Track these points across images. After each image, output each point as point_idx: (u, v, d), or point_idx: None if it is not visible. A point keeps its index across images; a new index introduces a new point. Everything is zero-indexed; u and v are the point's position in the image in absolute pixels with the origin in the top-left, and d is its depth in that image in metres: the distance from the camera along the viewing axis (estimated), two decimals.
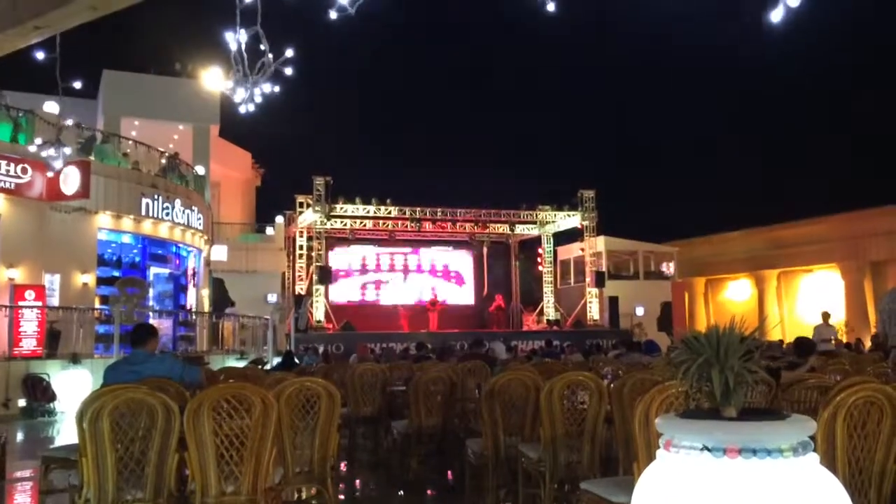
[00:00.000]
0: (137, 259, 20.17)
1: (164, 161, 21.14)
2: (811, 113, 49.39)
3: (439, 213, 25.91)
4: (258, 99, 5.15)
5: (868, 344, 18.98)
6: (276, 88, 5.11)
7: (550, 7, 4.23)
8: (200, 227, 21.62)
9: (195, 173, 22.85)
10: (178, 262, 21.71)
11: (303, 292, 24.89)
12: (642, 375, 4.60)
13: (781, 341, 18.70)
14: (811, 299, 33.99)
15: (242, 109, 5.16)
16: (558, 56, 57.66)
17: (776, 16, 3.73)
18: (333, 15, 4.49)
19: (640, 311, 28.28)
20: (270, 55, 4.87)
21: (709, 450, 1.77)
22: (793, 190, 43.30)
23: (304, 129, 47.25)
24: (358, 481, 7.60)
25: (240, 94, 5.09)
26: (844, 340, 21.83)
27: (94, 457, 3.76)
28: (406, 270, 29.53)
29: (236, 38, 4.83)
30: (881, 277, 31.32)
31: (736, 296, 37.17)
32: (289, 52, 5.00)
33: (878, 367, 8.06)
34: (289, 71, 5.09)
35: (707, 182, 49.46)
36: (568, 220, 27.18)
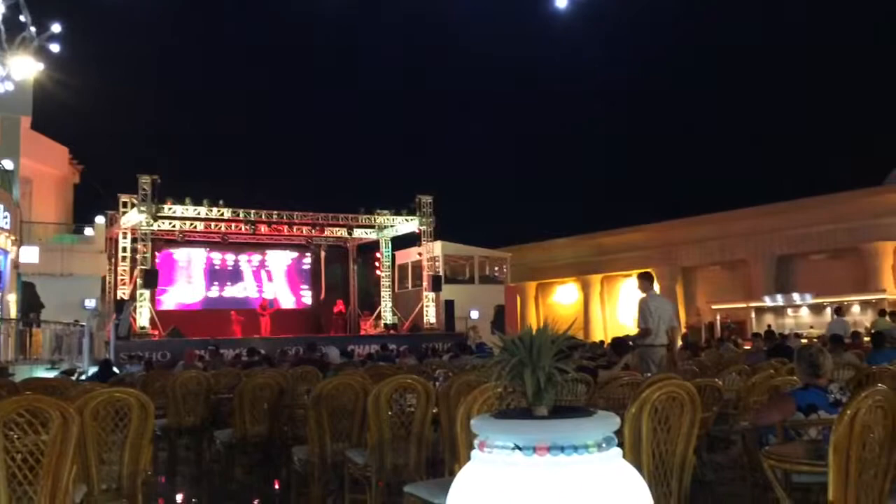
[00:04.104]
0: None
1: None
2: (629, 127, 52.92)
3: (275, 216, 25.25)
4: (17, 77, 4.71)
5: (680, 343, 20.53)
6: (41, 66, 4.70)
7: None
8: (7, 227, 19.79)
9: (2, 168, 20.93)
10: None
11: (126, 297, 23.41)
12: (468, 377, 4.67)
13: (603, 341, 19.83)
14: (631, 302, 36.38)
15: (0, 89, 4.71)
16: (397, 58, 58.13)
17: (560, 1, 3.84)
18: None
19: (475, 314, 28.97)
20: (33, 28, 4.47)
21: (520, 448, 1.78)
22: (615, 199, 46.23)
23: (128, 125, 44.61)
24: (178, 495, 7.20)
25: None
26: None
27: None
28: (239, 274, 28.55)
29: None
30: (690, 281, 34.12)
31: (564, 299, 39.10)
32: (55, 28, 4.61)
33: (686, 364, 8.74)
34: (56, 48, 4.70)
35: (538, 190, 51.71)
36: (406, 224, 27.37)
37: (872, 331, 13.50)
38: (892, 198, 27.13)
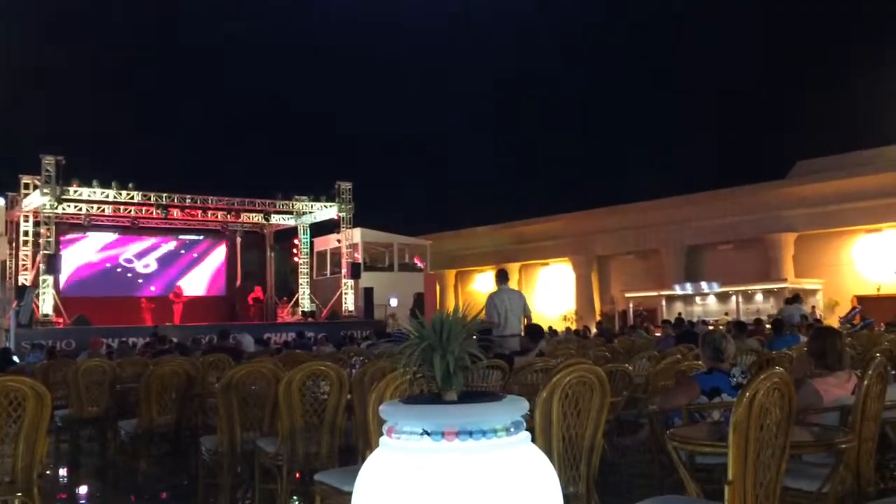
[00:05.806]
0: None
1: None
2: (547, 117, 53.75)
3: (188, 200, 24.52)
4: None
5: (594, 330, 21.08)
6: None
7: None
8: None
9: None
10: None
11: (28, 283, 22.33)
12: (382, 364, 4.62)
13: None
14: (548, 290, 37.09)
15: None
16: (318, 45, 57.21)
17: None
18: None
19: (394, 302, 28.92)
20: None
21: (428, 434, 1.76)
22: (534, 188, 46.92)
23: (31, 102, 42.44)
24: (80, 488, 6.91)
25: None
26: (574, 328, 24.05)
27: None
28: (150, 260, 27.61)
29: None
30: (605, 270, 34.98)
31: (483, 287, 39.45)
32: None
33: (599, 350, 8.98)
34: None
35: (458, 178, 51.93)
36: (325, 211, 27.04)
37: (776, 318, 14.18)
38: (794, 191, 28.45)
